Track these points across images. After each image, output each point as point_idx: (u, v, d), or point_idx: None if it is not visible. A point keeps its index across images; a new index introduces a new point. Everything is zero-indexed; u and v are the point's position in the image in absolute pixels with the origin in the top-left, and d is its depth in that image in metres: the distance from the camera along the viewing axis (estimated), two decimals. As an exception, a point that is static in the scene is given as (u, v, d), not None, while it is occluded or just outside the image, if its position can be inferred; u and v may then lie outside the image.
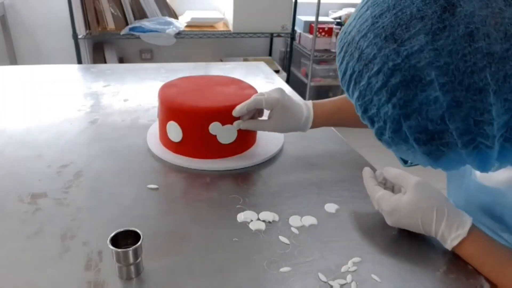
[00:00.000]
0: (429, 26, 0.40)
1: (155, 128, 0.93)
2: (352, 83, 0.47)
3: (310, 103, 0.85)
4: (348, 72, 0.48)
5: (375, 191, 0.66)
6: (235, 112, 0.79)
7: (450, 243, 0.59)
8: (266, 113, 0.83)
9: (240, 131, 0.81)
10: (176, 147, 0.83)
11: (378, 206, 0.65)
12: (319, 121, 0.84)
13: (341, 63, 0.49)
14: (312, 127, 0.85)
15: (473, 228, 0.59)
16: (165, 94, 0.83)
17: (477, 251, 0.59)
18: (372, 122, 0.48)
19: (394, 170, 0.67)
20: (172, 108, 0.80)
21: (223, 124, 0.79)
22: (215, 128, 0.79)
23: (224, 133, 0.80)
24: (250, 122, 0.81)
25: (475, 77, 0.39)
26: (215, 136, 0.80)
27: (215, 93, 0.85)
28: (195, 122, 0.79)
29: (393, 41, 0.42)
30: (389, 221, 0.65)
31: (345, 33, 0.49)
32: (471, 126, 0.42)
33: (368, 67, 0.45)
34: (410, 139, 0.45)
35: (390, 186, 0.70)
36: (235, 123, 0.80)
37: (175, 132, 0.81)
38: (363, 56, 0.45)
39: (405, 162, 0.58)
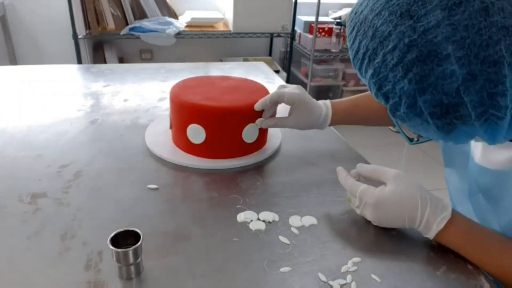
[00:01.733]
0: (446, 2, 0.42)
1: (153, 127, 0.93)
2: (366, 61, 0.49)
3: (328, 102, 0.86)
4: (361, 51, 0.49)
5: (356, 186, 0.65)
6: (257, 106, 0.79)
7: (436, 227, 0.59)
8: (284, 112, 0.83)
9: (259, 130, 0.82)
10: (196, 149, 0.82)
11: (361, 200, 0.64)
12: (337, 118, 0.85)
13: (353, 42, 0.50)
14: (331, 124, 0.86)
15: (453, 211, 0.60)
16: (183, 97, 0.81)
17: (460, 233, 0.60)
18: (387, 99, 0.49)
19: (369, 166, 0.67)
20: (195, 111, 0.78)
21: (248, 123, 0.80)
22: (246, 127, 0.80)
23: (249, 132, 0.81)
24: (272, 119, 0.82)
25: (490, 50, 0.41)
26: (241, 135, 0.80)
27: (231, 93, 0.84)
28: (221, 123, 0.79)
29: (408, 17, 0.44)
30: (372, 216, 0.64)
31: (355, 13, 0.50)
32: (484, 98, 0.43)
33: (383, 44, 0.46)
34: (424, 114, 0.46)
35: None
36: (258, 121, 0.81)
37: (197, 134, 0.80)
38: (377, 34, 0.46)
39: (410, 140, 0.58)
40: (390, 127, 0.85)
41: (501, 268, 0.58)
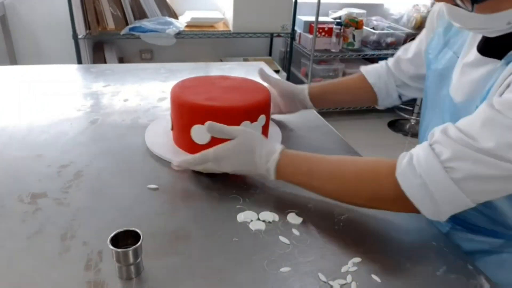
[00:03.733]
0: None
1: (153, 128, 0.93)
2: None
3: (305, 86, 0.96)
4: None
5: (207, 152, 0.72)
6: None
7: (272, 165, 0.67)
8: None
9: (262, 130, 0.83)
10: (200, 149, 0.80)
11: (215, 158, 0.71)
12: (316, 95, 0.94)
13: None
14: (312, 101, 0.94)
15: (284, 150, 0.69)
16: (186, 97, 0.80)
17: (289, 164, 0.68)
18: None
19: (217, 125, 0.74)
20: (200, 111, 0.78)
21: (251, 122, 0.80)
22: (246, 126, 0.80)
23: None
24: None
25: None
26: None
27: (232, 93, 0.84)
28: (227, 123, 0.78)
29: None
30: (227, 167, 0.71)
31: None
32: None
33: None
34: None
35: None
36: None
37: (202, 134, 0.79)
38: None
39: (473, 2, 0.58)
40: (375, 106, 0.98)
41: (328, 192, 0.67)
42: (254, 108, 0.80)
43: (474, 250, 0.72)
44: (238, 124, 0.79)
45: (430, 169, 0.55)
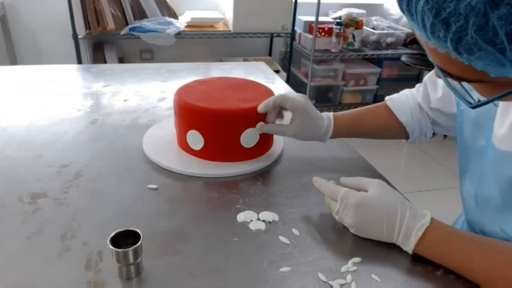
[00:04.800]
0: None
1: (153, 131, 0.92)
2: None
3: (331, 114, 0.83)
4: None
5: (338, 189, 0.64)
6: (260, 108, 0.77)
7: (415, 234, 0.58)
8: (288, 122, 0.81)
9: (261, 135, 0.81)
10: (198, 153, 0.82)
11: (342, 202, 0.62)
12: (339, 131, 0.83)
13: None
14: (332, 137, 0.83)
15: (433, 219, 0.59)
16: (189, 101, 0.79)
17: (440, 240, 0.58)
18: (448, 26, 0.39)
19: (352, 178, 0.67)
20: (194, 115, 0.78)
21: (247, 127, 0.79)
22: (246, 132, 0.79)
23: (248, 136, 0.80)
24: (272, 125, 0.80)
25: None
26: (239, 139, 0.79)
27: (233, 96, 0.83)
28: (224, 126, 0.78)
29: None
30: (352, 219, 0.62)
31: None
32: None
33: None
34: (499, 35, 0.37)
35: None
36: (258, 125, 0.79)
37: (197, 138, 0.79)
38: None
39: (470, 103, 0.50)
40: (403, 140, 0.88)
41: (485, 274, 0.55)
42: (253, 113, 0.79)
43: None
44: (232, 129, 0.78)
45: None
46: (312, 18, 2.70)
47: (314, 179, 0.69)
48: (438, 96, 0.78)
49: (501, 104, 0.60)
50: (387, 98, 0.87)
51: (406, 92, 0.86)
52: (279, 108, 0.80)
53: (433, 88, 0.79)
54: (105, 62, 2.49)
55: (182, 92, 0.83)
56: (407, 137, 0.85)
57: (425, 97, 0.81)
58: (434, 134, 0.86)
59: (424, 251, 0.59)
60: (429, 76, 0.80)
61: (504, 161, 0.59)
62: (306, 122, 0.79)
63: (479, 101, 0.48)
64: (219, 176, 0.78)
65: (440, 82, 0.77)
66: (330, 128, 0.82)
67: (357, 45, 2.86)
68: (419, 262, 0.60)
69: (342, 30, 2.78)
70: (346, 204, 0.62)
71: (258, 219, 0.67)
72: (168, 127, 0.91)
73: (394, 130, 0.85)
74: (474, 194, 0.68)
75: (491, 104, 0.60)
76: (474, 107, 0.49)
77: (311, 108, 0.79)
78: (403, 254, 0.61)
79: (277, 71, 2.55)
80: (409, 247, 0.59)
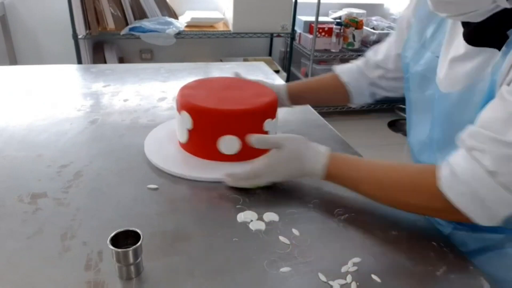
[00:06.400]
0: None
1: (154, 135, 0.91)
2: None
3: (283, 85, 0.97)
4: None
5: (258, 166, 0.72)
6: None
7: (322, 160, 0.68)
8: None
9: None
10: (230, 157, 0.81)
11: (267, 167, 0.72)
12: (293, 94, 0.96)
13: None
14: (290, 99, 0.96)
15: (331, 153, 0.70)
16: (222, 107, 0.78)
17: (341, 166, 0.68)
18: None
19: (262, 137, 0.76)
20: (229, 118, 0.78)
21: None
22: (268, 125, 0.82)
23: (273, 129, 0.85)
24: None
25: None
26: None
27: (239, 94, 0.84)
28: (252, 122, 0.80)
29: None
30: (266, 159, 0.72)
31: None
32: None
33: None
34: None
35: None
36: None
37: (233, 143, 0.79)
38: None
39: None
40: (349, 104, 1.01)
41: (376, 199, 0.66)
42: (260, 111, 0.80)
43: (477, 248, 0.72)
44: (262, 122, 0.81)
45: (476, 177, 0.54)
46: (312, 18, 2.70)
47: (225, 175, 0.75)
48: (379, 58, 0.91)
49: (442, 48, 0.70)
50: (334, 67, 1.00)
51: (351, 62, 1.00)
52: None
53: (374, 54, 0.93)
54: (105, 62, 2.49)
55: (199, 99, 0.80)
56: (349, 99, 0.98)
57: (366, 60, 0.94)
58: (373, 97, 0.98)
59: (329, 178, 0.69)
60: (371, 50, 0.95)
61: (444, 101, 0.68)
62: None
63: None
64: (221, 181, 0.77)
65: (380, 48, 0.91)
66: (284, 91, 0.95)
67: (357, 45, 2.86)
68: (419, 262, 0.60)
69: (342, 30, 2.78)
70: (271, 170, 0.72)
71: (258, 219, 0.67)
72: (168, 129, 0.91)
73: (338, 92, 0.98)
74: (423, 141, 0.76)
75: (433, 57, 0.73)
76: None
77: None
78: (403, 254, 0.61)
79: (277, 71, 2.55)
80: (319, 168, 0.69)
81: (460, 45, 0.66)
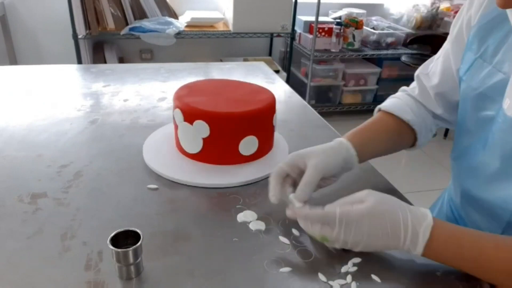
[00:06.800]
0: None
1: (153, 139, 0.89)
2: None
3: (343, 143, 0.70)
4: None
5: (332, 210, 0.57)
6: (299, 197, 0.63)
7: (422, 236, 0.54)
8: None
9: (260, 142, 0.82)
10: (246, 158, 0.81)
11: (341, 222, 0.55)
12: (362, 155, 0.71)
13: None
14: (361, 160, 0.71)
15: (434, 218, 0.55)
16: (240, 109, 0.77)
17: (450, 238, 0.54)
18: None
19: (335, 202, 0.59)
20: (249, 119, 0.78)
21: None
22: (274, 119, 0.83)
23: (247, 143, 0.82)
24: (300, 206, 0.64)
25: None
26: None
27: (241, 95, 0.84)
28: (267, 119, 0.81)
29: None
30: (355, 236, 0.55)
31: None
32: None
33: None
34: None
35: None
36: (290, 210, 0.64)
37: (252, 143, 0.79)
38: None
39: None
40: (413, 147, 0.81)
41: (501, 268, 0.53)
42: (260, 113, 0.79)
43: None
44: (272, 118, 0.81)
45: None
46: (312, 18, 2.71)
47: (289, 213, 0.62)
48: (435, 82, 0.75)
49: None
50: (380, 107, 0.79)
51: (393, 97, 0.81)
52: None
53: (427, 79, 0.77)
54: (105, 62, 2.49)
55: (210, 106, 0.77)
56: (414, 140, 0.78)
57: (422, 89, 0.78)
58: (435, 134, 0.83)
59: (433, 253, 0.55)
60: (420, 70, 0.78)
61: (510, 128, 0.57)
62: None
63: None
64: (222, 187, 0.76)
65: (432, 71, 0.76)
66: (352, 157, 0.70)
67: (357, 45, 2.86)
68: (419, 262, 0.60)
69: (342, 30, 2.78)
70: (348, 222, 0.55)
71: (258, 219, 0.67)
72: (167, 134, 0.90)
73: (403, 134, 0.77)
74: (475, 166, 0.65)
75: (497, 77, 0.60)
76: None
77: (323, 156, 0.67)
78: (403, 254, 0.61)
79: (277, 71, 2.55)
80: (417, 251, 0.55)
81: None
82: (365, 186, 0.76)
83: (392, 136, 0.76)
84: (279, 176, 0.66)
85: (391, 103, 0.79)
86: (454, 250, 0.54)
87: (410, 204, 0.59)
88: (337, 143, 0.70)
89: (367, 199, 0.56)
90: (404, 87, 0.83)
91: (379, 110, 0.79)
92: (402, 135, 0.77)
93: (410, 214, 0.55)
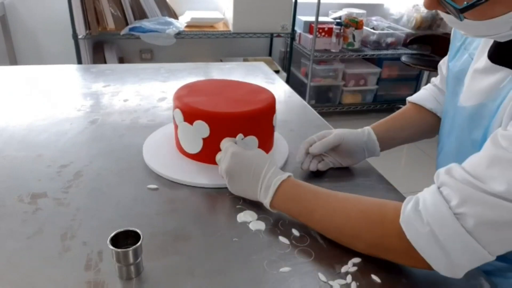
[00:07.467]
0: None
1: (152, 139, 0.89)
2: None
3: (367, 128, 0.82)
4: None
5: (225, 142, 0.72)
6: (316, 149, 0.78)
7: (273, 186, 0.63)
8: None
9: (261, 141, 0.83)
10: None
11: (225, 151, 0.70)
12: (381, 137, 0.81)
13: None
14: (383, 148, 0.81)
15: (292, 177, 0.65)
16: (242, 109, 0.78)
17: (291, 189, 0.63)
18: None
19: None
20: (248, 119, 0.78)
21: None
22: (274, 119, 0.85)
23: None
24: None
25: None
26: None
27: (241, 95, 0.84)
28: (268, 119, 0.82)
29: None
30: (227, 163, 0.68)
31: None
32: None
33: None
34: None
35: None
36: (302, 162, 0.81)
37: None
38: None
39: (459, 11, 0.51)
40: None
41: (327, 229, 0.61)
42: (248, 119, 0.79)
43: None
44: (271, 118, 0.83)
45: (438, 216, 0.48)
46: (312, 18, 2.70)
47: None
48: (439, 81, 0.82)
49: (474, 59, 0.64)
50: (408, 98, 0.89)
51: (422, 88, 0.88)
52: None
53: (445, 67, 0.80)
54: (105, 62, 2.49)
55: (210, 106, 0.77)
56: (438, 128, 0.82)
57: (442, 77, 0.82)
58: None
59: (277, 202, 0.64)
60: (443, 60, 0.82)
61: (460, 114, 0.64)
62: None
63: (467, 3, 0.49)
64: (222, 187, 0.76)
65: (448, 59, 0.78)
66: (374, 142, 0.80)
67: (357, 45, 2.86)
68: (419, 262, 0.60)
69: (342, 30, 2.78)
70: (226, 151, 0.69)
71: (258, 219, 0.67)
72: (167, 134, 0.90)
73: (428, 122, 0.84)
74: (445, 153, 0.71)
75: (469, 59, 0.66)
76: (462, 10, 0.49)
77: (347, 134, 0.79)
78: (403, 254, 0.61)
79: (277, 71, 2.55)
80: (267, 200, 0.64)
81: (484, 57, 0.61)
82: (365, 185, 0.77)
83: (414, 124, 0.84)
84: (307, 143, 0.79)
85: (417, 94, 0.87)
86: (295, 200, 0.63)
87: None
88: (362, 129, 0.81)
89: (253, 149, 0.69)
90: (433, 78, 0.88)
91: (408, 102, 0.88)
92: (427, 123, 0.84)
93: (274, 170, 0.65)
